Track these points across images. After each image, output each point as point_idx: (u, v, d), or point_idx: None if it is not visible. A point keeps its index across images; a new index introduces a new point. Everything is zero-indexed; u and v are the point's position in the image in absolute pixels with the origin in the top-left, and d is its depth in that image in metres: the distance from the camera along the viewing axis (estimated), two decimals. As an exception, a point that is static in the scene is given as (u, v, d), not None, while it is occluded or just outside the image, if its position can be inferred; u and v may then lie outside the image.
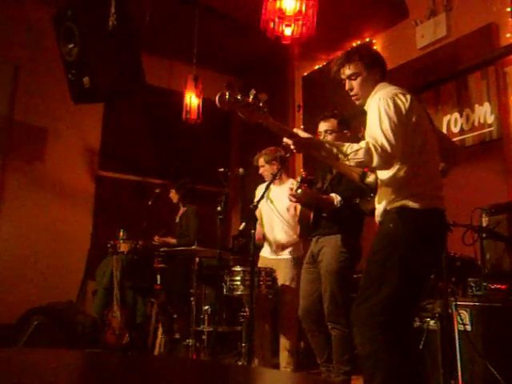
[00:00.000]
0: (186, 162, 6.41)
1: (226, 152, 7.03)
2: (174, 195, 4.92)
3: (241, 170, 4.12)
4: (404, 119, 2.07)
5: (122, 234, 5.14)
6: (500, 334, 2.63)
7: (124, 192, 6.07)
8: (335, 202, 3.09)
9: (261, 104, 1.99)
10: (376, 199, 2.25)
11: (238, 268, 3.61)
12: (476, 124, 4.05)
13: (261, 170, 3.94)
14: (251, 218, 2.93)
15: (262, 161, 3.91)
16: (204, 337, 4.11)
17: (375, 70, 2.27)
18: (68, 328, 4.63)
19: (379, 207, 2.20)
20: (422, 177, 2.10)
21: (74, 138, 5.78)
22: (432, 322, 2.88)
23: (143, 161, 6.31)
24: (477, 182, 3.90)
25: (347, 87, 2.31)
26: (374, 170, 2.27)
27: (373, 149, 1.97)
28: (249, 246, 2.99)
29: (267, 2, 3.43)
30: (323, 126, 3.21)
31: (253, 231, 2.93)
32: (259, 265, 3.77)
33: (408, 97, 2.13)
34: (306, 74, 6.02)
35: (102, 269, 5.16)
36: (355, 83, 2.27)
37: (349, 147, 2.03)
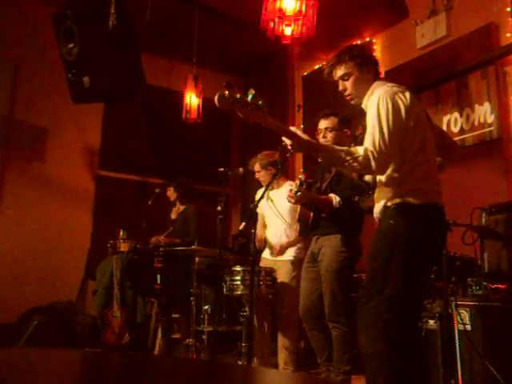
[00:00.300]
0: (186, 162, 6.40)
1: (226, 152, 7.03)
2: (172, 193, 4.90)
3: (241, 169, 4.12)
4: (403, 118, 2.07)
5: (121, 233, 5.14)
6: (500, 333, 2.63)
7: (124, 192, 6.07)
8: (334, 203, 3.09)
9: (260, 103, 1.99)
10: (375, 196, 2.26)
11: (238, 268, 3.61)
12: (476, 124, 4.05)
13: (257, 176, 3.93)
14: (251, 218, 2.93)
15: (257, 166, 3.89)
16: (204, 336, 4.12)
17: (367, 68, 2.29)
18: (68, 328, 4.63)
19: (378, 204, 2.21)
20: (420, 173, 2.11)
21: (74, 137, 5.78)
22: (432, 322, 2.88)
23: (143, 160, 6.31)
24: (477, 181, 3.90)
25: (341, 88, 2.33)
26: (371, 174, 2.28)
27: (371, 156, 2.00)
28: (249, 245, 3.00)
29: (267, 2, 3.43)
30: (323, 124, 3.21)
31: (253, 231, 2.93)
32: (259, 265, 3.78)
33: (407, 95, 2.14)
34: (305, 73, 6.02)
35: (102, 268, 5.16)
36: (348, 83, 2.29)
37: (347, 154, 2.03)
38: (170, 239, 4.68)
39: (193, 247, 4.11)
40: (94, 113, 5.82)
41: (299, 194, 3.04)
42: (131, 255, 5.12)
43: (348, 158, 2.02)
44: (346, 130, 3.22)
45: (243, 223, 3.20)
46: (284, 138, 2.14)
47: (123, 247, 5.06)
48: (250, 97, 1.98)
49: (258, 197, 3.95)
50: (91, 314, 5.08)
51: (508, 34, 3.91)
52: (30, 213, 5.33)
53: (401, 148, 2.09)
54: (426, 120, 2.25)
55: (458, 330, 2.77)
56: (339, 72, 2.30)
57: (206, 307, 4.18)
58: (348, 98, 2.33)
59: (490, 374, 2.53)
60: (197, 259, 4.25)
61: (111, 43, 3.59)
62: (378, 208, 2.21)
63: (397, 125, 2.05)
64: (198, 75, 5.19)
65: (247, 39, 5.59)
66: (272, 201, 3.87)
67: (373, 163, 2.00)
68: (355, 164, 2.02)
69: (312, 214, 3.20)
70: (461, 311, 2.77)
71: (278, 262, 3.76)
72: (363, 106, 2.28)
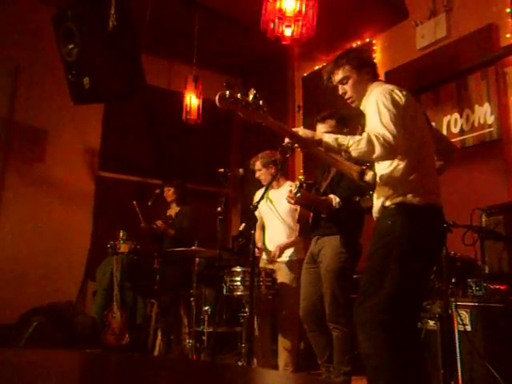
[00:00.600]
0: (186, 163, 6.41)
1: (226, 152, 7.03)
2: (171, 193, 4.88)
3: (241, 170, 4.12)
4: (401, 113, 2.07)
5: (121, 234, 5.14)
6: (500, 334, 2.63)
7: (124, 192, 6.07)
8: (334, 204, 3.09)
9: (260, 103, 1.99)
10: (374, 195, 2.26)
11: (237, 268, 3.61)
12: (476, 124, 4.05)
13: (257, 174, 3.93)
14: (251, 219, 2.93)
15: (258, 164, 3.90)
16: (204, 337, 4.11)
17: (365, 70, 2.31)
18: (68, 328, 4.63)
19: (377, 203, 2.21)
20: (419, 173, 2.11)
21: (74, 138, 5.78)
22: (432, 323, 2.88)
23: (143, 161, 6.31)
24: (477, 182, 3.91)
25: (341, 92, 2.35)
26: (376, 161, 2.24)
27: (374, 138, 1.97)
28: (249, 246, 2.99)
29: (267, 3, 3.43)
30: (321, 128, 3.20)
31: (253, 232, 2.93)
32: (259, 266, 3.78)
33: (404, 93, 2.16)
34: (305, 74, 6.02)
35: (102, 269, 5.16)
36: (347, 87, 2.31)
37: (350, 139, 2.02)
38: (166, 227, 4.65)
39: (193, 248, 4.11)
40: (94, 114, 5.82)
41: (299, 195, 3.04)
42: (131, 256, 5.13)
43: (352, 142, 2.00)
44: (344, 131, 3.22)
45: (243, 224, 3.20)
46: (286, 139, 2.15)
47: (123, 248, 5.06)
48: (250, 97, 1.98)
49: (257, 197, 3.95)
50: (91, 314, 5.07)
51: (508, 35, 3.91)
52: (30, 214, 5.33)
53: (401, 143, 2.08)
54: (425, 121, 2.26)
55: (458, 331, 2.77)
56: (337, 76, 2.33)
57: (206, 308, 4.18)
58: (349, 101, 2.34)
59: (490, 374, 2.53)
60: (197, 260, 4.25)
61: (111, 44, 3.59)
62: (376, 207, 2.22)
63: (397, 117, 2.04)
64: (198, 76, 5.19)
65: (247, 40, 5.59)
66: (271, 201, 3.87)
67: (377, 146, 1.96)
68: (360, 147, 1.98)
69: (312, 215, 3.20)
70: (461, 312, 2.77)
71: (278, 263, 3.76)
72: (361, 107, 2.29)
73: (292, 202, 3.13)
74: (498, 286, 2.89)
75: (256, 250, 3.39)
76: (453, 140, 3.89)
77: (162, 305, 4.73)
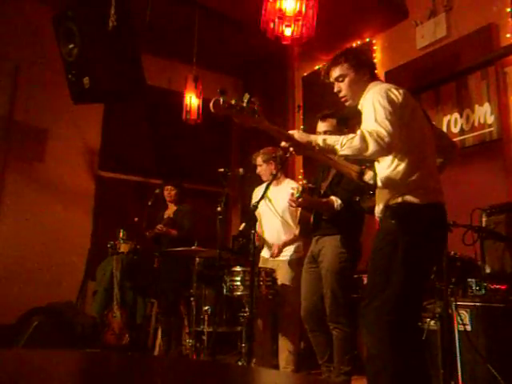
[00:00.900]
0: (186, 162, 6.40)
1: (226, 152, 7.03)
2: (172, 192, 4.88)
3: (241, 170, 4.12)
4: (398, 111, 2.06)
5: (121, 234, 5.14)
6: (500, 334, 2.63)
7: (124, 192, 6.07)
8: (335, 206, 3.10)
9: (255, 108, 1.99)
10: (376, 196, 2.26)
11: (238, 268, 3.61)
12: (476, 124, 4.05)
13: (258, 170, 3.95)
14: (251, 219, 2.93)
15: (259, 160, 3.92)
16: (204, 337, 4.11)
17: (363, 70, 2.30)
18: (68, 328, 4.63)
19: (379, 203, 2.20)
20: (421, 172, 2.10)
21: (74, 138, 5.77)
22: (432, 323, 2.88)
23: (143, 161, 6.30)
24: (477, 182, 3.90)
25: (336, 89, 2.35)
26: (371, 158, 2.23)
27: (367, 135, 1.96)
28: (249, 246, 2.99)
29: (267, 3, 3.43)
30: (322, 127, 3.21)
31: (253, 231, 2.93)
32: (259, 265, 3.78)
33: (401, 91, 2.15)
34: (305, 74, 6.02)
35: (102, 269, 5.16)
36: (343, 85, 2.31)
37: (344, 138, 2.01)
38: (168, 229, 4.65)
39: (193, 248, 4.11)
40: (94, 113, 5.82)
41: (300, 200, 3.05)
42: (131, 256, 5.13)
43: (345, 140, 1.99)
44: (345, 131, 3.22)
45: (243, 224, 3.20)
46: (282, 143, 2.14)
47: (123, 248, 5.06)
48: (245, 102, 1.98)
49: (255, 195, 3.97)
50: (91, 314, 5.07)
51: (508, 35, 3.91)
52: (29, 213, 5.33)
53: (398, 145, 2.07)
54: (425, 119, 2.25)
55: (458, 331, 2.76)
56: (334, 73, 2.33)
57: (206, 308, 4.18)
58: (343, 99, 2.34)
59: (490, 374, 2.53)
60: (197, 260, 4.25)
61: (111, 44, 3.59)
62: (378, 207, 2.21)
63: (393, 115, 2.02)
64: (198, 76, 5.19)
65: (247, 40, 5.58)
66: (270, 200, 3.87)
67: (370, 143, 1.95)
68: (353, 144, 1.97)
69: (312, 216, 3.20)
70: (461, 312, 2.77)
71: (278, 261, 3.76)
72: (359, 106, 2.29)
73: (294, 205, 3.13)
74: (498, 286, 2.89)
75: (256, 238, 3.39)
76: (453, 140, 3.89)
77: (161, 305, 4.73)
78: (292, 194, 3.09)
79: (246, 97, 1.98)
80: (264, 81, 6.41)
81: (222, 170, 4.07)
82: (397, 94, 2.11)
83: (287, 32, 3.43)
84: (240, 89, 6.91)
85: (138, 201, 5.70)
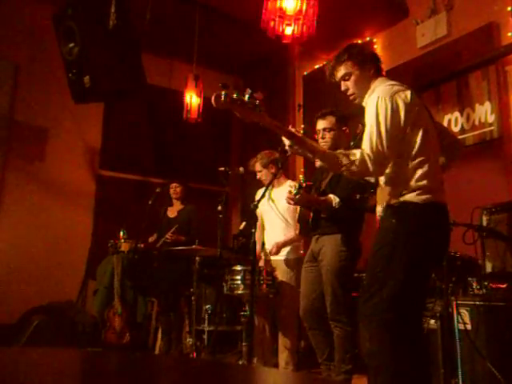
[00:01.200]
0: (187, 162, 6.41)
1: (226, 151, 7.03)
2: (179, 190, 4.87)
3: (241, 169, 4.12)
4: (402, 118, 2.06)
5: (122, 233, 5.14)
6: (500, 332, 2.63)
7: (125, 191, 6.07)
8: (334, 204, 3.09)
9: (257, 103, 1.99)
10: (377, 194, 2.26)
11: (238, 267, 3.61)
12: (476, 123, 4.05)
13: (258, 175, 3.93)
14: (251, 218, 2.93)
15: (258, 165, 3.90)
16: (204, 336, 4.11)
17: (368, 66, 2.29)
18: (68, 327, 4.63)
19: (381, 202, 2.20)
20: (423, 171, 2.10)
21: (75, 137, 5.78)
22: (432, 321, 2.88)
23: (144, 160, 6.31)
24: (477, 181, 3.90)
25: (343, 88, 2.33)
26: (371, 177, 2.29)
27: (367, 158, 2.00)
28: (249, 245, 2.99)
29: (268, 2, 3.43)
30: (321, 124, 3.21)
31: (253, 230, 2.93)
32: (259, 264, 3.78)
33: (408, 93, 2.13)
34: (306, 73, 6.02)
35: (103, 268, 5.16)
36: (349, 83, 2.29)
37: (344, 157, 2.03)
38: (177, 236, 4.65)
39: (193, 247, 4.11)
40: (95, 112, 5.82)
41: (298, 196, 3.05)
42: (132, 255, 5.12)
43: (345, 161, 2.03)
44: (344, 128, 3.22)
45: (243, 223, 3.20)
46: (283, 138, 2.14)
47: (124, 247, 5.06)
48: (246, 96, 1.98)
49: (258, 197, 3.96)
50: (92, 313, 5.08)
51: (509, 34, 3.91)
52: (30, 212, 5.33)
53: (401, 147, 2.08)
54: (429, 118, 2.24)
55: (459, 330, 2.76)
56: (339, 73, 2.31)
57: (207, 307, 4.18)
58: (351, 97, 2.33)
59: (491, 373, 2.53)
60: (197, 259, 4.25)
61: (112, 43, 3.58)
62: (380, 206, 2.21)
63: (395, 126, 2.04)
64: (199, 75, 5.19)
65: (248, 39, 5.58)
66: (273, 201, 3.87)
67: (370, 165, 2.00)
68: (353, 167, 2.03)
69: (312, 215, 3.20)
70: (461, 311, 2.77)
71: (277, 261, 3.76)
72: (364, 103, 2.28)
73: (291, 203, 3.13)
74: (498, 285, 2.89)
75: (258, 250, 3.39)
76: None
77: (162, 304, 4.74)
78: (290, 192, 3.08)
79: (248, 91, 1.98)
80: (264, 80, 6.41)
81: (223, 168, 4.08)
82: (403, 98, 2.10)
83: (288, 31, 3.42)
84: (240, 88, 6.90)
85: (138, 200, 5.70)
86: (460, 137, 4.10)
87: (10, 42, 5.34)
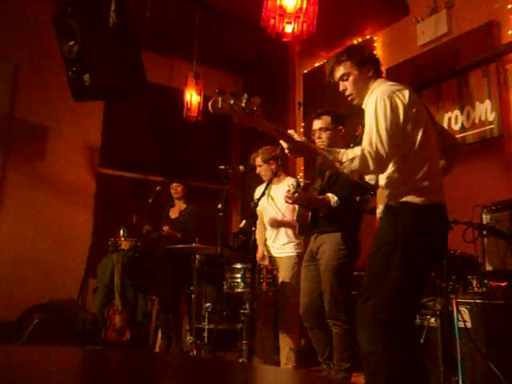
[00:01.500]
0: (187, 160, 6.41)
1: (226, 149, 7.02)
2: (180, 190, 4.88)
3: (241, 167, 4.12)
4: (401, 118, 2.06)
5: (122, 231, 5.14)
6: (500, 330, 2.63)
7: (125, 189, 6.07)
8: (332, 203, 3.10)
9: (254, 108, 1.98)
10: (377, 196, 2.26)
11: (238, 265, 3.61)
12: (477, 121, 4.05)
13: (258, 170, 3.93)
14: (252, 216, 2.93)
15: (259, 160, 3.90)
16: (205, 334, 4.12)
17: (367, 67, 2.28)
18: (69, 325, 4.63)
19: (381, 203, 2.20)
20: (422, 172, 2.10)
21: (75, 135, 5.78)
22: (432, 320, 2.88)
23: (144, 158, 6.30)
24: (477, 179, 3.90)
25: (341, 88, 2.34)
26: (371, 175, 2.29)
27: (368, 156, 2.00)
28: (249, 243, 3.00)
29: (268, 0, 3.42)
30: (317, 124, 3.22)
31: (253, 229, 2.94)
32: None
33: (406, 93, 2.12)
34: (306, 71, 6.01)
35: (103, 266, 5.16)
36: (348, 83, 2.30)
37: (344, 155, 2.03)
38: (173, 232, 4.66)
39: (193, 245, 4.11)
40: (95, 111, 5.81)
41: (296, 195, 3.05)
42: (132, 253, 5.13)
43: (345, 159, 2.02)
44: (340, 128, 3.23)
45: (244, 221, 3.20)
46: (281, 142, 2.13)
47: (124, 245, 5.06)
48: (243, 102, 1.97)
49: (257, 194, 3.96)
50: (92, 311, 5.08)
51: (509, 32, 3.90)
52: (30, 211, 5.33)
53: (400, 147, 2.08)
54: (428, 118, 2.24)
55: (459, 328, 2.77)
56: (338, 73, 2.31)
57: (207, 305, 4.19)
58: (349, 98, 2.33)
59: (491, 371, 2.54)
60: (197, 257, 4.25)
61: (112, 41, 3.58)
62: (380, 207, 2.21)
63: (394, 124, 2.04)
64: (199, 73, 5.18)
65: (248, 37, 5.57)
66: (272, 198, 3.87)
67: (370, 163, 2.00)
68: (353, 165, 2.02)
69: (310, 213, 3.20)
70: (461, 309, 2.77)
71: (278, 258, 3.77)
72: (363, 105, 2.28)
73: (289, 201, 3.14)
74: (498, 283, 2.89)
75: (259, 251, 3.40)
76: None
77: (162, 302, 4.74)
78: (288, 191, 3.09)
79: (245, 97, 1.98)
80: (265, 78, 6.41)
81: (223, 167, 4.08)
82: (401, 98, 2.09)
83: (288, 29, 3.42)
84: (240, 86, 6.91)
85: (138, 198, 5.69)
86: (460, 135, 4.11)
87: (10, 41, 5.33)
